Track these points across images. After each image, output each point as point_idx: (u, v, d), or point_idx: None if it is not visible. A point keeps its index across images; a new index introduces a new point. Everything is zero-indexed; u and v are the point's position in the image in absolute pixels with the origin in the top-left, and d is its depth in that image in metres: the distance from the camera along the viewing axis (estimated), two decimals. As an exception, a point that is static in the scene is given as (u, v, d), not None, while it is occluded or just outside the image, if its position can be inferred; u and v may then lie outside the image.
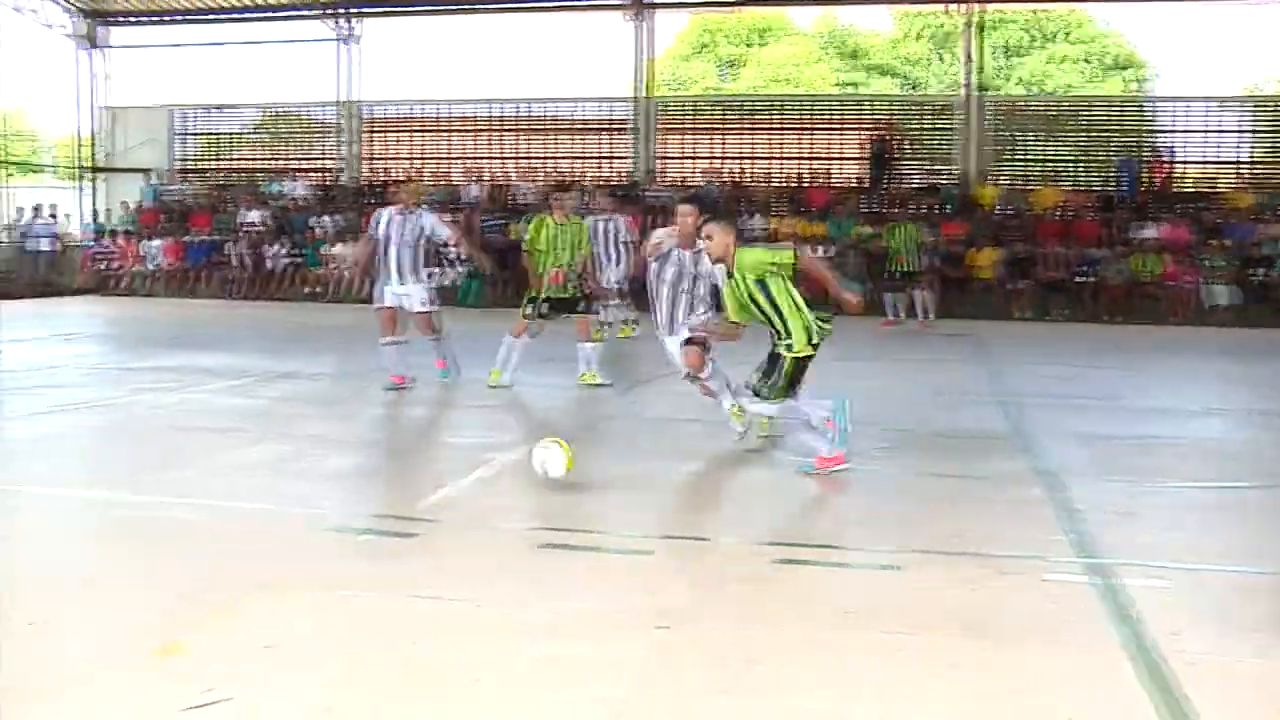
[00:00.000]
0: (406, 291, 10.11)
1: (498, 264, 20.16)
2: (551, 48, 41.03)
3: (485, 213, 22.09)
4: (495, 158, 24.37)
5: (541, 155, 24.18)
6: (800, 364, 6.64)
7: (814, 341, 6.64)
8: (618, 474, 7.10)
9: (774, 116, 24.61)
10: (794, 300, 6.65)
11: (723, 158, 23.72)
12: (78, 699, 3.56)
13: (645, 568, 5.07)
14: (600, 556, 5.20)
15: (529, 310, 10.26)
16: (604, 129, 24.02)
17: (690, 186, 23.00)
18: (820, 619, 4.31)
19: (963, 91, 23.71)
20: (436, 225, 10.36)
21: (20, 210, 24.34)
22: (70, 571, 5.05)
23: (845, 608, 4.45)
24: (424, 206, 10.75)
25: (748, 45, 42.63)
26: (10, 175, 27.32)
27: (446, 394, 9.98)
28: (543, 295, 10.19)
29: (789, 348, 6.59)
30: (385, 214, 10.25)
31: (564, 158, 24.10)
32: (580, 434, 7.57)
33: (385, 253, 10.04)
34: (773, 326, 6.70)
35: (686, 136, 24.30)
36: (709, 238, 6.76)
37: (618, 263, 14.25)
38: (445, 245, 11.14)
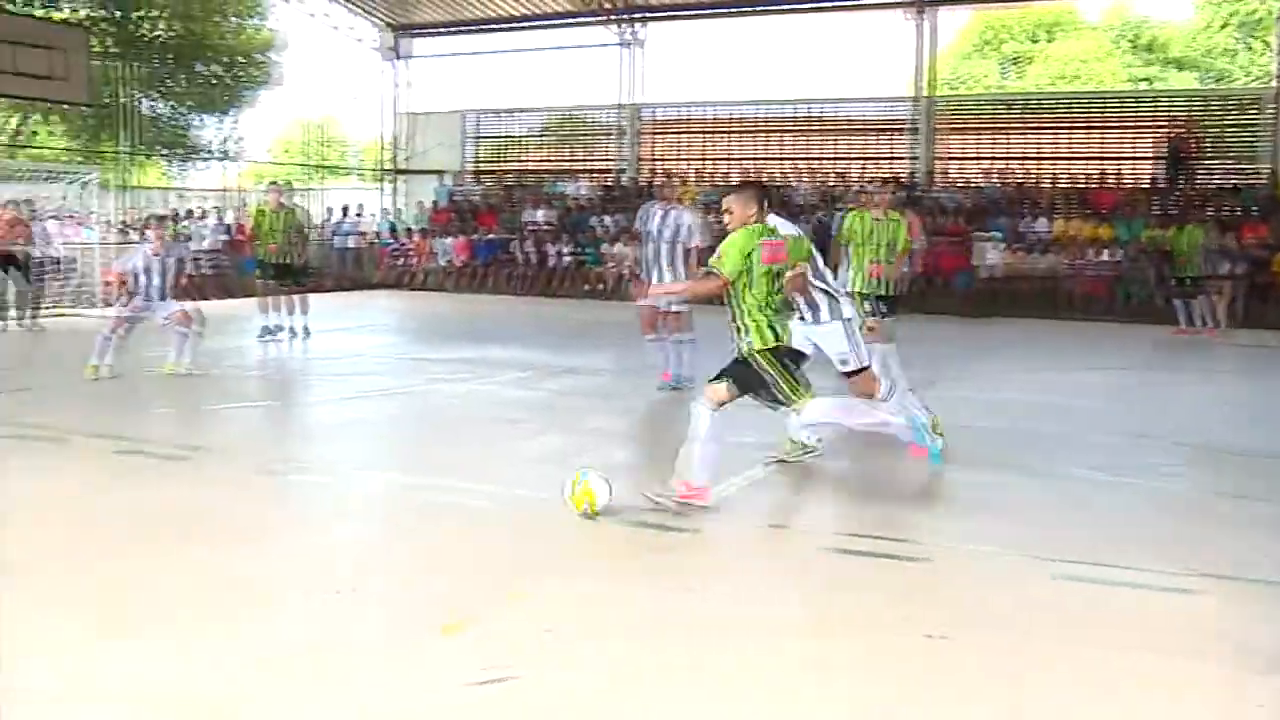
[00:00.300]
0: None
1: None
2: (830, 48, 40.60)
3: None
4: (772, 159, 24.29)
5: (818, 156, 23.94)
6: (777, 355, 5.97)
7: (778, 337, 5.98)
8: (894, 478, 7.01)
9: (1061, 115, 23.47)
10: (756, 300, 5.97)
11: (1005, 158, 22.81)
12: (369, 667, 3.85)
13: (919, 574, 5.02)
14: (874, 561, 5.18)
15: (868, 309, 9.65)
16: (882, 129, 23.57)
17: (970, 188, 22.28)
18: (1095, 640, 4.14)
19: (1274, 84, 21.90)
20: (693, 226, 10.14)
21: (330, 210, 26.19)
22: (371, 547, 5.46)
23: (1124, 630, 4.26)
24: (687, 205, 10.59)
25: (1033, 41, 40.85)
26: (323, 178, 29.43)
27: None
28: (868, 292, 9.41)
29: (749, 345, 5.96)
30: (650, 210, 10.31)
31: (841, 158, 23.77)
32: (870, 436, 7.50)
33: (647, 249, 10.11)
34: (731, 319, 6.13)
35: (968, 136, 23.52)
36: (729, 211, 6.19)
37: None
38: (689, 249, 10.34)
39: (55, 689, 3.64)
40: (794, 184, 22.96)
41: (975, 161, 23.13)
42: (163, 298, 10.82)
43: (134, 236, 22.28)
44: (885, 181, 10.30)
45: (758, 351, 5.82)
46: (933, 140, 23.02)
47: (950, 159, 23.42)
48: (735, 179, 23.78)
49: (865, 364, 7.13)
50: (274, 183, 16.24)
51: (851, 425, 6.22)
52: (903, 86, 23.46)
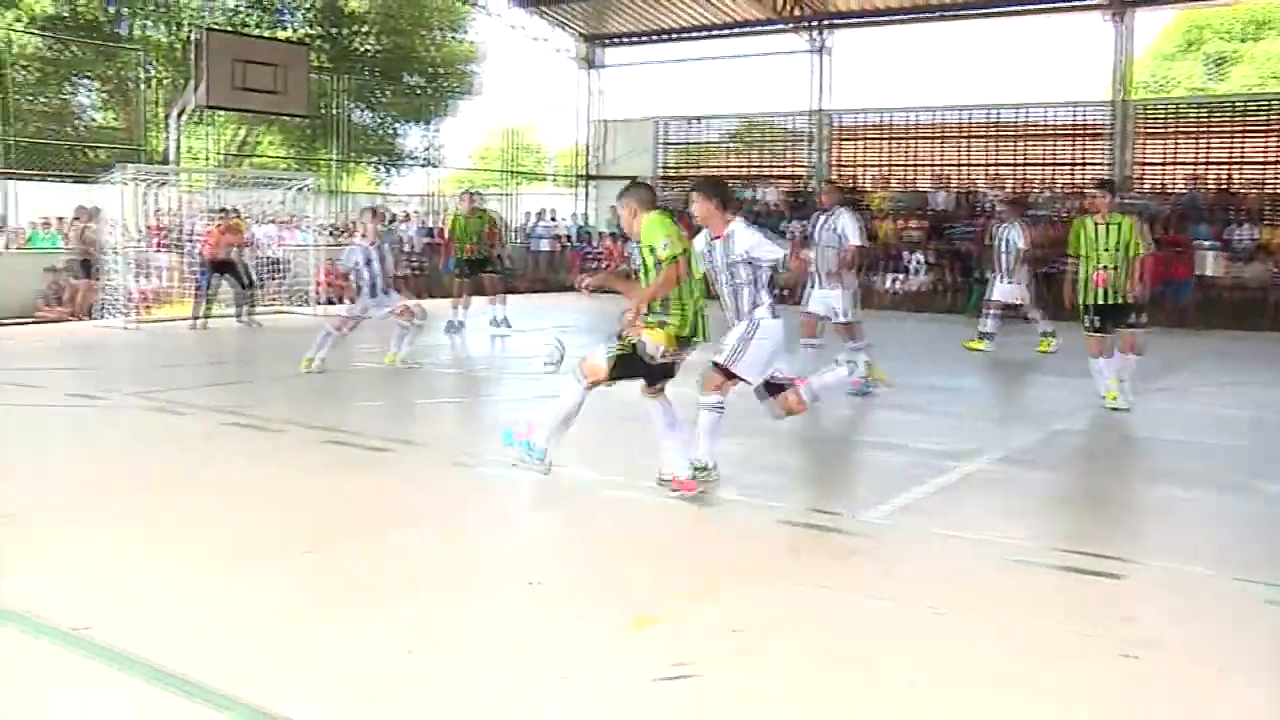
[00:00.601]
0: (826, 296, 9.96)
1: (962, 270, 19.71)
2: (1022, 52, 39.26)
3: (953, 219, 21.61)
4: (963, 164, 23.68)
5: (1010, 161, 23.20)
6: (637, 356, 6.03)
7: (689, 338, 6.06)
8: (1088, 490, 6.76)
9: (1270, 117, 22.06)
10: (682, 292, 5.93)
11: (1207, 163, 21.58)
12: (562, 657, 3.93)
13: (1116, 591, 4.82)
14: (1067, 576, 4.99)
15: (1086, 324, 9.21)
16: (1076, 134, 22.65)
17: (1170, 194, 21.15)
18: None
19: None
20: (849, 227, 9.84)
21: (527, 214, 26.82)
22: (563, 541, 5.58)
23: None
24: (843, 207, 10.21)
25: (1241, 40, 38.54)
26: (519, 184, 30.17)
27: (915, 397, 9.83)
28: (1090, 303, 9.05)
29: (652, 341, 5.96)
30: (815, 215, 10.19)
31: (1034, 164, 22.98)
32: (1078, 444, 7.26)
33: (814, 253, 9.90)
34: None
35: (1168, 141, 22.36)
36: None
37: (1006, 276, 13.63)
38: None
39: (268, 664, 3.85)
40: (983, 189, 22.29)
41: (1175, 167, 21.97)
42: (385, 291, 11.40)
43: (344, 239, 23.39)
44: (1102, 185, 9.61)
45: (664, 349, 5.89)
46: (1130, 145, 22.01)
47: (1148, 164, 22.33)
48: (924, 184, 23.36)
49: (727, 366, 6.47)
50: (467, 190, 16.82)
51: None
52: (1099, 90, 22.52)
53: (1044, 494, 6.63)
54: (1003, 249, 13.69)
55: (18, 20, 27.60)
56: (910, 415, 9.09)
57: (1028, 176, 22.61)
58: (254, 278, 17.03)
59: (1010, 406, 9.65)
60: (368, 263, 11.28)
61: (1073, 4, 22.25)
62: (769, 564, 5.06)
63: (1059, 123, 22.67)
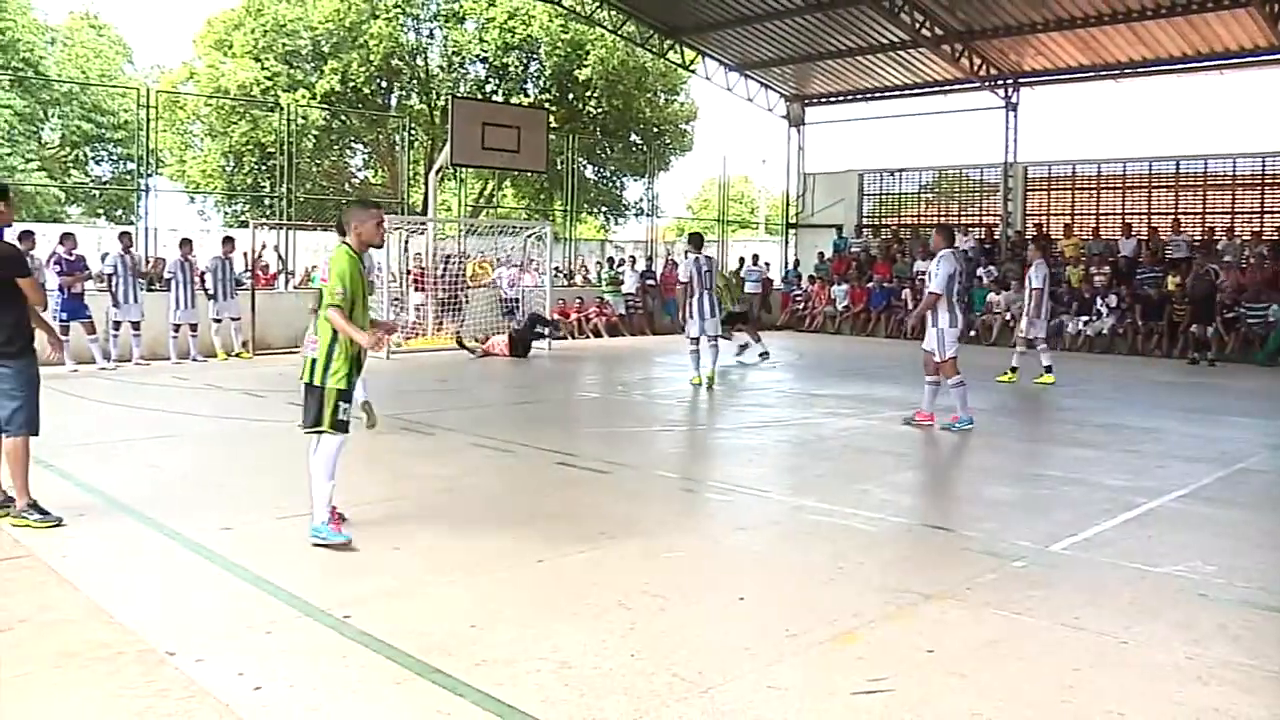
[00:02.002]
0: (929, 335, 9.91)
1: (1148, 314, 18.76)
2: (1205, 105, 37.17)
3: (1139, 265, 20.64)
4: (1147, 213, 22.64)
5: (1194, 211, 22.06)
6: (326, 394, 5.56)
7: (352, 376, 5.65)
8: (1276, 529, 6.29)
9: None
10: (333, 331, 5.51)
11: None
12: (768, 669, 3.92)
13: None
14: (1254, 612, 4.69)
15: None
16: (1260, 184, 21.35)
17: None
18: None
19: None
20: (934, 274, 9.73)
21: (740, 259, 26.96)
22: (767, 560, 5.55)
23: None
24: (947, 250, 9.80)
25: None
26: (733, 231, 30.37)
27: (1102, 436, 9.41)
28: None
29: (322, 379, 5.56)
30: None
31: (1217, 213, 21.78)
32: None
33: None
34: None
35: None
36: None
37: (1036, 312, 13.46)
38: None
39: (505, 656, 3.99)
40: (1169, 237, 21.14)
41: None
42: (696, 315, 12.56)
43: (578, 281, 24.10)
44: None
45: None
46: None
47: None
48: (1110, 232, 22.45)
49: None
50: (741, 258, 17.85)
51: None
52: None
53: (1230, 531, 6.19)
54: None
55: (304, 96, 29.75)
56: (1097, 452, 8.69)
57: (1210, 224, 21.49)
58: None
59: (1196, 445, 9.06)
60: (686, 283, 12.59)
61: (1259, 60, 20.86)
62: (961, 589, 4.92)
63: (1243, 173, 21.53)
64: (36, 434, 5.94)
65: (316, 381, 5.48)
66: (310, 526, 5.50)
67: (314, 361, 5.50)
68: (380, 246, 6.31)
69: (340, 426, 5.51)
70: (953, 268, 9.65)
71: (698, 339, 12.81)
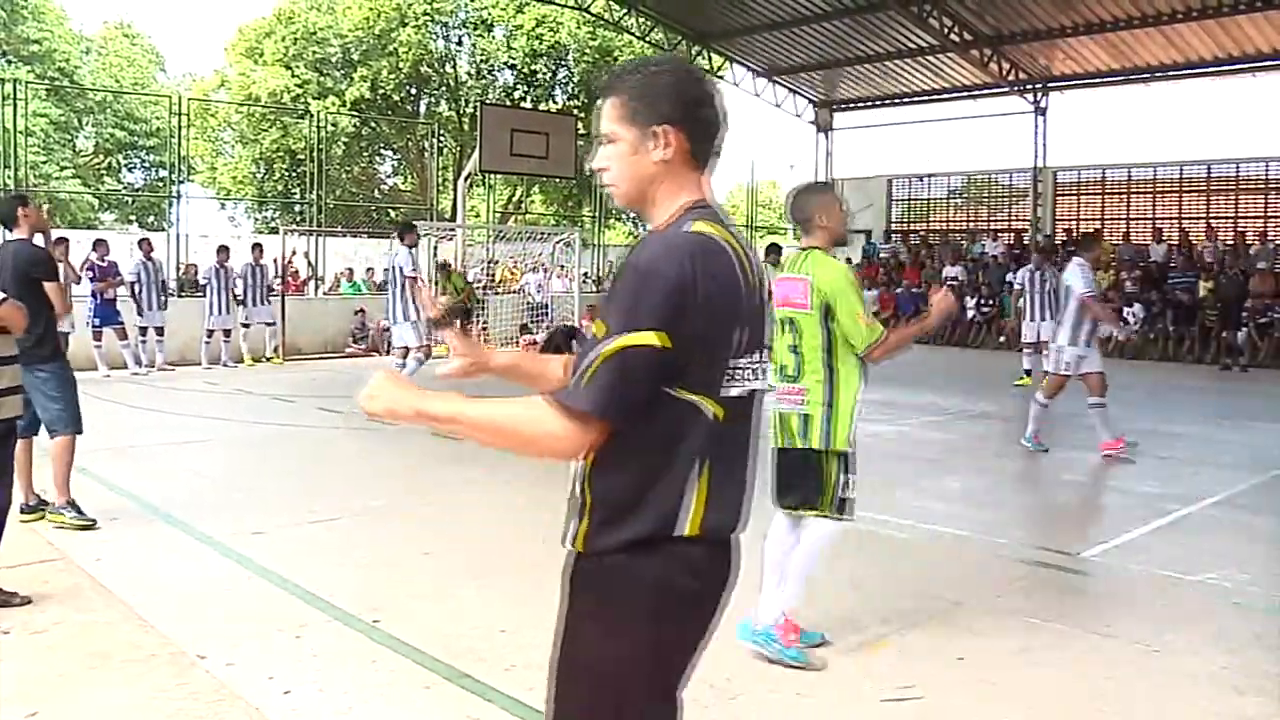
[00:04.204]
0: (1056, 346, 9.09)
1: (1179, 319, 18.58)
2: (1234, 109, 36.85)
3: (1170, 270, 20.45)
4: (1178, 217, 22.45)
5: (1226, 215, 21.84)
6: None
7: None
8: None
9: None
10: None
11: None
12: (797, 676, 3.90)
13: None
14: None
15: None
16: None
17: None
18: None
19: None
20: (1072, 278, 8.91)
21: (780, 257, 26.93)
22: (797, 567, 5.52)
23: None
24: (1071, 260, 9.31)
25: None
26: (762, 236, 30.33)
27: (1138, 442, 9.31)
28: None
29: None
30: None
31: (1249, 217, 21.55)
32: None
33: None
34: None
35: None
36: None
37: (1043, 314, 13.09)
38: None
39: (535, 661, 3.99)
40: (1200, 242, 20.93)
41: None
42: None
43: (606, 286, 24.10)
44: None
45: None
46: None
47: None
48: (1140, 237, 22.28)
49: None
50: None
51: None
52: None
53: (1264, 538, 6.12)
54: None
55: (334, 104, 29.99)
56: (1128, 459, 8.60)
57: (1241, 228, 21.27)
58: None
59: (1229, 451, 8.94)
60: None
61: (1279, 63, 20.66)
62: (992, 597, 4.89)
63: (1275, 176, 21.29)
64: (81, 432, 6.04)
65: (815, 445, 4.05)
66: (749, 626, 4.08)
67: (806, 418, 4.07)
68: (846, 244, 4.52)
69: (843, 507, 4.10)
70: (1090, 275, 8.99)
71: None
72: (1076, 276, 8.79)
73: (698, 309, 1.72)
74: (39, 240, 6.12)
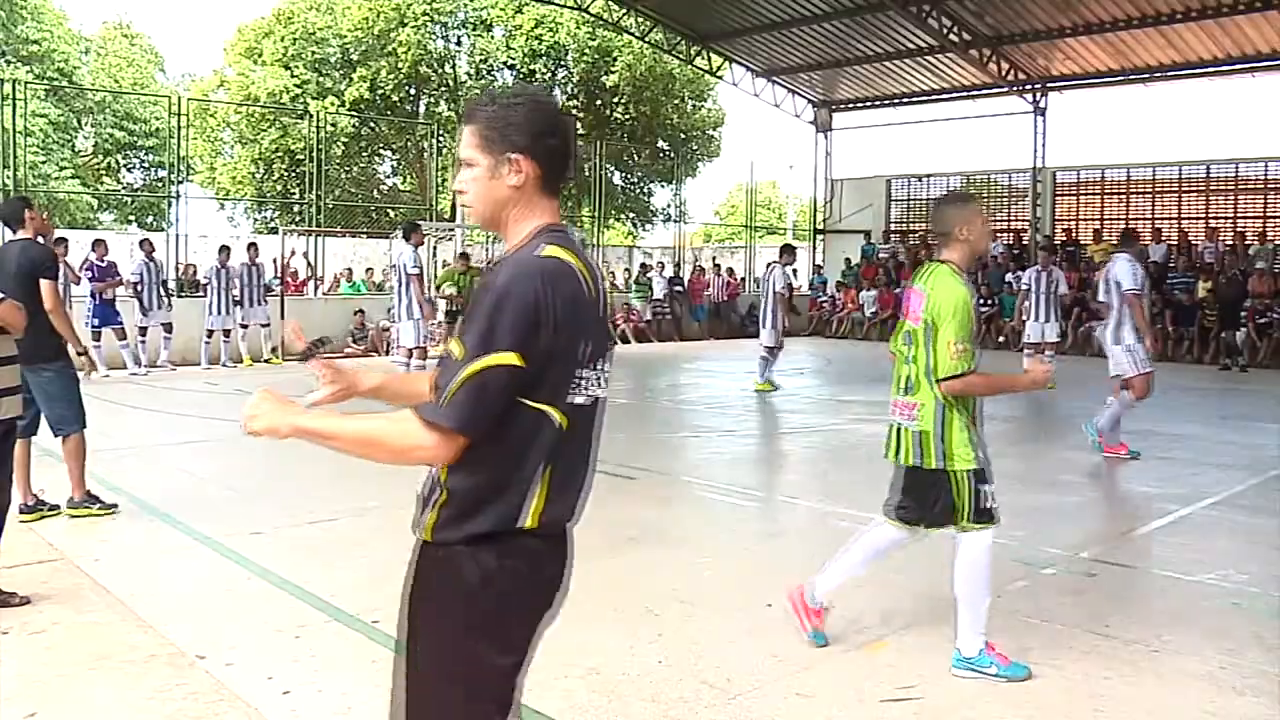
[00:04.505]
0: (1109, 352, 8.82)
1: (1179, 319, 18.59)
2: (1233, 109, 36.90)
3: (1169, 270, 20.45)
4: (1178, 217, 22.47)
5: (1226, 215, 21.85)
6: None
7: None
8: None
9: None
10: None
11: None
12: (793, 676, 3.90)
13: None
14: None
15: None
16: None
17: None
18: None
19: None
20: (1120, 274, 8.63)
21: (770, 265, 26.84)
22: (796, 567, 5.52)
23: None
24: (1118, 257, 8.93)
25: None
26: (761, 236, 30.32)
27: (1132, 443, 9.30)
28: None
29: None
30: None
31: (1248, 217, 21.56)
32: None
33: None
34: None
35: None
36: None
37: (1048, 316, 13.52)
38: None
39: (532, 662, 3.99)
40: (1202, 242, 20.94)
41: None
42: (777, 325, 12.96)
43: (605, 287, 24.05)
44: None
45: None
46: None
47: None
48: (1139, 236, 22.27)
49: None
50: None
51: None
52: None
53: (1264, 539, 6.11)
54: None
55: (333, 104, 29.98)
56: (1128, 459, 8.61)
57: (1240, 228, 21.28)
58: None
59: (1228, 452, 8.95)
60: (782, 294, 12.95)
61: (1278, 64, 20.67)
62: (992, 597, 4.88)
63: (1275, 177, 21.31)
64: (85, 425, 6.19)
65: (930, 464, 4.00)
66: (955, 654, 4.00)
67: (921, 435, 4.03)
68: (986, 258, 3.92)
69: (985, 516, 4.05)
70: (1139, 270, 8.74)
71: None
72: (1127, 273, 8.58)
73: (549, 328, 1.90)
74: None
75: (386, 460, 1.97)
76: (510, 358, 1.86)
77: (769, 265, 13.42)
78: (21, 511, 5.92)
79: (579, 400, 2.00)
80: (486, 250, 21.10)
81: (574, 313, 1.95)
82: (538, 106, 2.05)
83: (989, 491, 3.99)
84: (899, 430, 4.09)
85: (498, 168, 2.03)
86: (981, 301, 21.77)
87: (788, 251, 13.64)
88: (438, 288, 15.92)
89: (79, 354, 6.15)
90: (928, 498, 4.04)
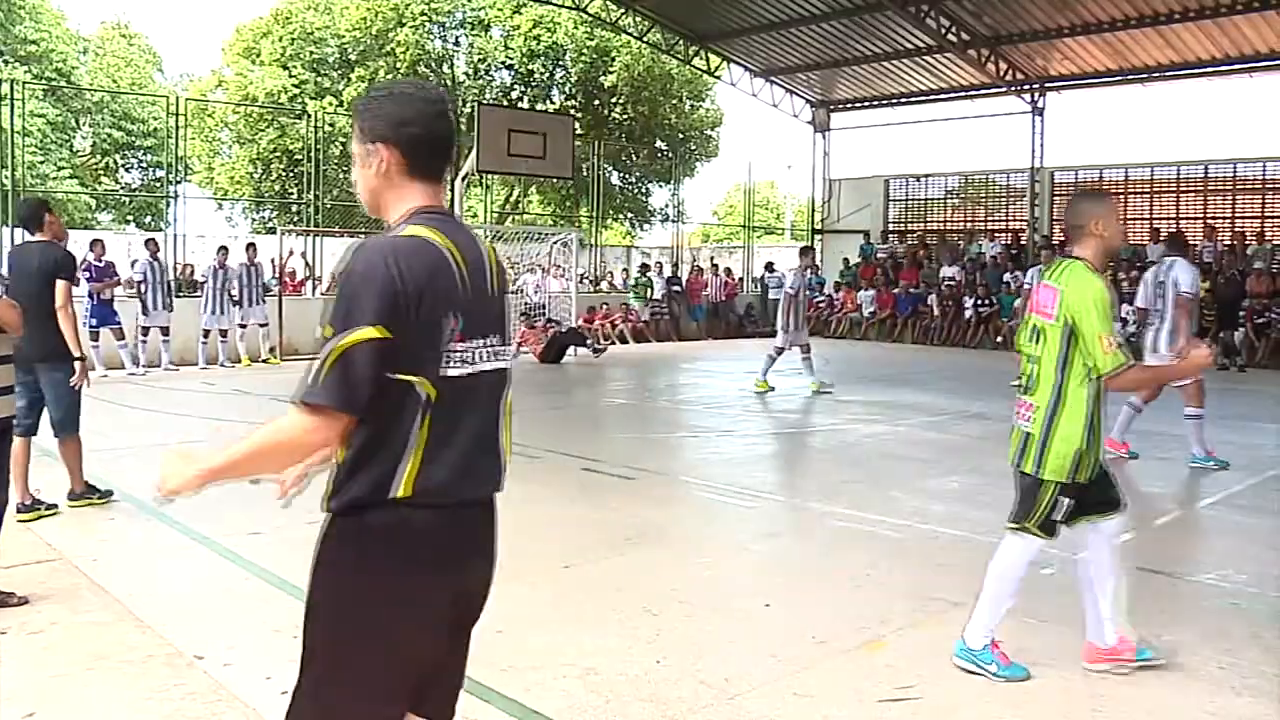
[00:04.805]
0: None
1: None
2: (1232, 109, 36.93)
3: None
4: (1176, 217, 22.48)
5: (1224, 215, 21.86)
6: None
7: None
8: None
9: None
10: None
11: None
12: (792, 677, 3.90)
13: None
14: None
15: None
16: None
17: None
18: None
19: None
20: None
21: (770, 265, 26.90)
22: (794, 566, 5.53)
23: None
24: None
25: None
26: (760, 236, 30.30)
27: (1130, 442, 9.30)
28: None
29: None
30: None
31: (1246, 217, 21.58)
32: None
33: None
34: None
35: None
36: None
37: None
38: None
39: (531, 662, 3.99)
40: (1199, 242, 20.94)
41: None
42: (798, 327, 12.91)
43: (603, 287, 24.10)
44: None
45: None
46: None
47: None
48: (1138, 237, 22.32)
49: None
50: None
51: None
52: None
53: (1262, 538, 6.11)
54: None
55: (331, 104, 29.95)
56: (1136, 461, 8.60)
57: (1239, 228, 21.29)
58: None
59: (1227, 451, 8.93)
60: (794, 295, 12.80)
61: (1276, 64, 20.68)
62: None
63: (1272, 177, 21.32)
64: (77, 430, 6.34)
65: (1027, 469, 3.99)
66: (959, 643, 4.03)
67: (1027, 437, 4.00)
68: (1117, 255, 3.78)
69: (1048, 529, 4.03)
70: (1197, 274, 8.59)
71: (795, 347, 13.06)
72: (1188, 278, 8.41)
73: (404, 300, 1.97)
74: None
75: (290, 458, 2.09)
76: (371, 331, 1.94)
77: (792, 268, 13.50)
78: (19, 510, 5.92)
79: (452, 372, 2.06)
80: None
81: (432, 287, 2.01)
82: (399, 96, 2.14)
83: (1064, 505, 3.95)
84: (1015, 432, 4.06)
85: (368, 157, 2.15)
86: (979, 302, 21.84)
87: (803, 253, 13.62)
88: None
89: (76, 359, 6.17)
90: (1021, 499, 4.05)
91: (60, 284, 6.04)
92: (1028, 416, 3.96)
